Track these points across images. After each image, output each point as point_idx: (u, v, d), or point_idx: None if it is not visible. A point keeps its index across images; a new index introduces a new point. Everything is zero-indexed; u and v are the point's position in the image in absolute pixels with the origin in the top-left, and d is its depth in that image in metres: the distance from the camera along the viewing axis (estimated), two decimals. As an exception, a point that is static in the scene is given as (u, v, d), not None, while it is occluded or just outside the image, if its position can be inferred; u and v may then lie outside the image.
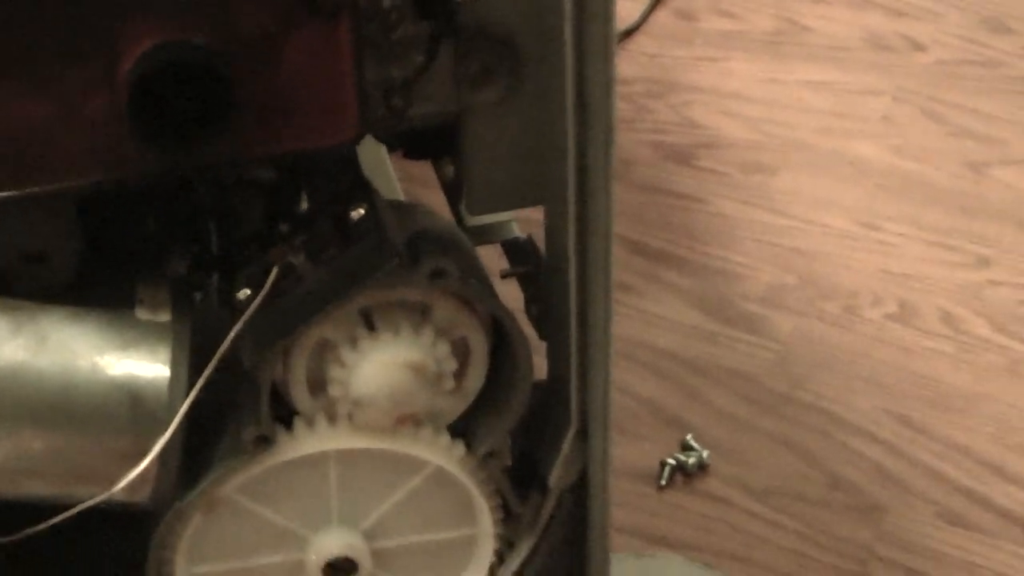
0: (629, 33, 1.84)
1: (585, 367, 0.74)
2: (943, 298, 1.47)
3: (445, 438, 0.76)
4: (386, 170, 1.20)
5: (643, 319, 1.44)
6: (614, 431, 1.28)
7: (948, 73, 1.79)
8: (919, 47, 1.83)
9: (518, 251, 0.82)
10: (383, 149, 1.18)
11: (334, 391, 0.72)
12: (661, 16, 1.86)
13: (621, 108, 1.75)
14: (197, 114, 0.63)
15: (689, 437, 1.29)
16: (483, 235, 0.83)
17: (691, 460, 1.27)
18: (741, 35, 1.85)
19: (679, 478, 1.27)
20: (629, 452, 1.29)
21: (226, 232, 0.75)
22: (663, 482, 1.26)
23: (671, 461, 1.26)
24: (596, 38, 0.65)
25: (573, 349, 0.74)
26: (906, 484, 1.30)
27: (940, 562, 1.23)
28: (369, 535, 0.78)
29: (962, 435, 1.34)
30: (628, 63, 1.86)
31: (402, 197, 1.08)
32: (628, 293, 1.48)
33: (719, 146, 1.69)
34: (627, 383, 1.36)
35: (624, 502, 1.25)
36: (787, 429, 1.33)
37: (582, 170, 0.68)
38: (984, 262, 1.51)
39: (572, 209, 0.69)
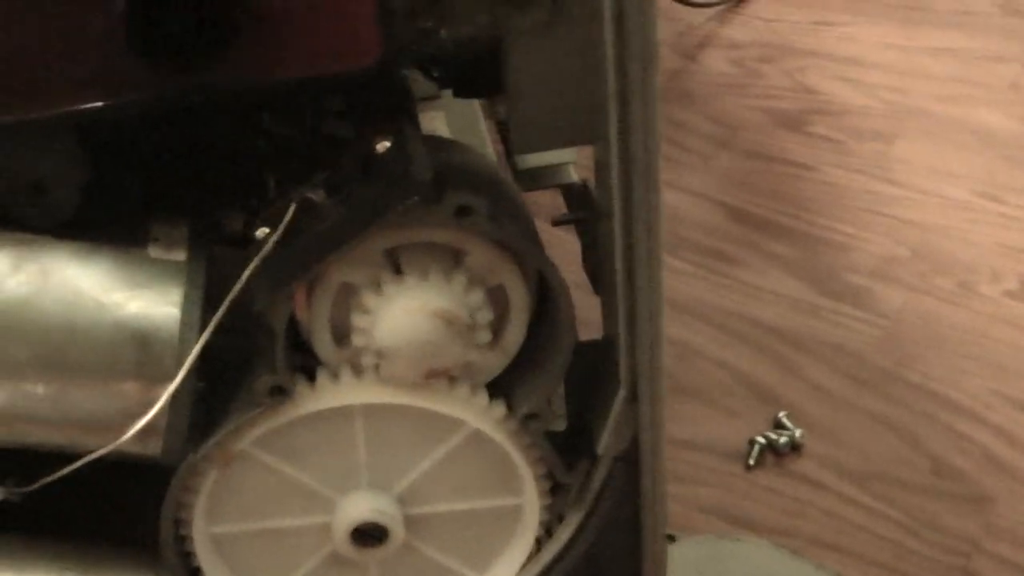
0: (745, -3, 1.77)
1: (633, 325, 0.67)
2: (1068, 276, 1.37)
3: (482, 397, 0.70)
4: (478, 129, 1.14)
5: (743, 290, 1.36)
6: (706, 405, 1.23)
7: (1084, 40, 1.69)
8: (1054, 11, 1.73)
9: (574, 197, 0.75)
10: (476, 106, 1.13)
11: (358, 340, 0.66)
12: (780, -22, 1.79)
13: (732, 73, 1.69)
14: (196, 32, 0.58)
15: (782, 415, 1.21)
16: (535, 180, 0.76)
17: (783, 439, 1.19)
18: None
19: (769, 458, 1.19)
20: (719, 428, 1.22)
21: (251, 168, 0.70)
22: (752, 461, 1.18)
23: (760, 440, 1.18)
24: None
25: (621, 305, 0.67)
26: (1018, 473, 1.20)
27: (1054, 559, 1.14)
28: (403, 500, 0.72)
29: (1082, 423, 1.24)
30: (742, 27, 1.78)
31: (493, 157, 1.02)
32: (729, 263, 1.40)
33: (833, 112, 1.61)
34: (722, 356, 1.29)
35: (709, 481, 1.18)
36: (890, 410, 1.24)
37: (624, 101, 0.61)
38: (1114, 239, 1.41)
39: (615, 146, 0.62)
